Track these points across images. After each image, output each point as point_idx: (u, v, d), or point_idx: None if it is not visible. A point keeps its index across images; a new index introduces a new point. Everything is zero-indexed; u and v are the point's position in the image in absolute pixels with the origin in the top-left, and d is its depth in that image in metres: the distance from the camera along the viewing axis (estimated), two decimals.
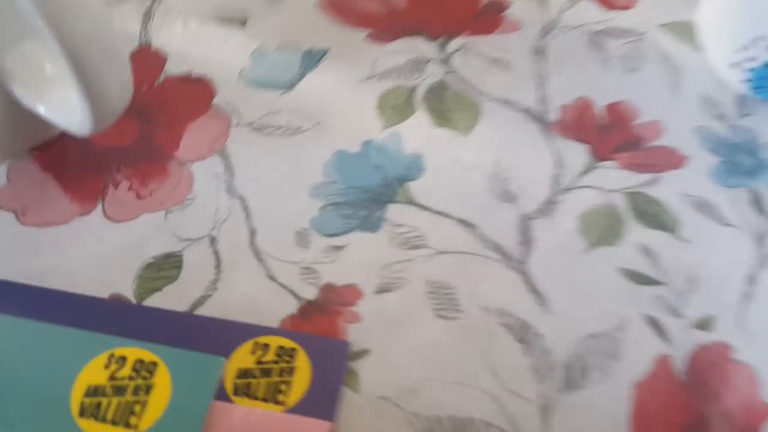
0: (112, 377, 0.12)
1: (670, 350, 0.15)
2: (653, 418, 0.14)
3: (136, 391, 0.12)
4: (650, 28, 0.22)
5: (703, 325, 0.15)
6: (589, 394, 0.14)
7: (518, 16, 0.22)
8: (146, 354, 0.12)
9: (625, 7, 0.22)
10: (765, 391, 0.14)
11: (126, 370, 0.12)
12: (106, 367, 0.12)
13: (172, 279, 0.15)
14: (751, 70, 0.19)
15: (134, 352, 0.12)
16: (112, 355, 0.12)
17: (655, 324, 0.15)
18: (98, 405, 0.12)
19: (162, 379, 0.12)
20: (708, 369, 0.15)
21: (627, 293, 0.16)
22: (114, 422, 0.11)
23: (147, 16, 0.21)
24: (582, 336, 0.15)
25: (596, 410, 0.14)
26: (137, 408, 0.12)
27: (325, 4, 0.22)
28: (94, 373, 0.12)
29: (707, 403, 0.14)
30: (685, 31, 0.22)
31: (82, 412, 0.12)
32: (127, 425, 0.11)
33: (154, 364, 0.12)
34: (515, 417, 0.14)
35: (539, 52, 0.21)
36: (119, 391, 0.12)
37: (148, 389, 0.12)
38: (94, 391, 0.12)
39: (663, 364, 0.15)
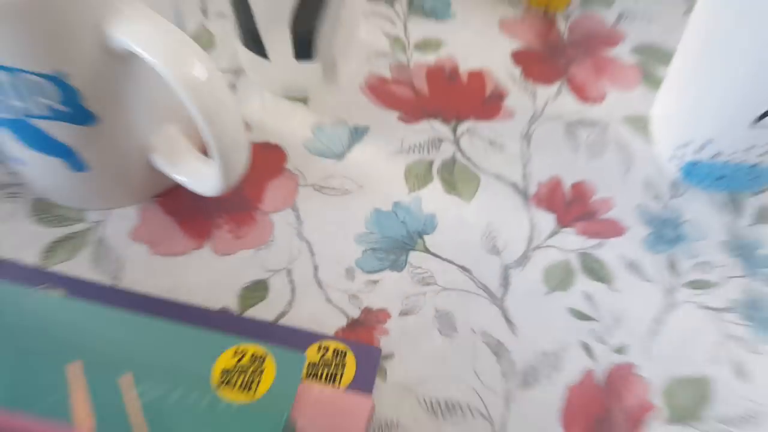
0: (238, 363, 0.19)
1: (595, 366, 0.22)
2: (578, 411, 0.21)
3: (254, 372, 0.19)
4: (613, 120, 0.29)
5: (620, 350, 0.22)
6: (538, 392, 0.21)
7: (513, 105, 0.29)
8: (259, 349, 0.19)
9: (596, 101, 0.29)
10: (653, 395, 0.21)
11: (246, 359, 0.19)
12: (233, 356, 0.19)
13: (262, 298, 0.23)
14: (685, 164, 0.26)
15: (251, 347, 0.19)
16: (237, 349, 0.19)
17: (587, 348, 0.22)
18: (230, 380, 0.19)
19: (270, 366, 0.19)
20: (618, 380, 0.22)
21: (570, 325, 0.23)
22: (241, 389, 0.18)
23: (232, 89, 0.28)
24: (537, 353, 0.22)
25: (541, 403, 0.21)
26: (254, 383, 0.19)
27: (367, 88, 0.29)
28: (226, 360, 0.19)
29: (614, 402, 0.21)
30: (640, 124, 0.29)
31: (220, 384, 0.18)
32: (249, 391, 0.18)
33: (264, 355, 0.19)
34: (488, 404, 0.21)
35: (526, 137, 0.28)
36: (243, 371, 0.19)
37: (261, 372, 0.19)
38: (226, 372, 0.19)
39: (589, 375, 0.22)
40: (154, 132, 0.23)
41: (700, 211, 0.26)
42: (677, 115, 0.27)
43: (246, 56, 0.28)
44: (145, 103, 0.22)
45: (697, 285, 0.24)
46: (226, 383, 0.19)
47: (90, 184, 0.23)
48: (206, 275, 0.23)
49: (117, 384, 0.18)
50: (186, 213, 0.25)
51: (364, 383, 0.21)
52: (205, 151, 0.24)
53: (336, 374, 0.21)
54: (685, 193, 0.27)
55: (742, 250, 0.25)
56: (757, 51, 0.21)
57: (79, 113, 0.20)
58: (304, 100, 0.28)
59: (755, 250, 0.25)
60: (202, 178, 0.22)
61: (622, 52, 0.32)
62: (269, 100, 0.28)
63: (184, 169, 0.23)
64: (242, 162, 0.21)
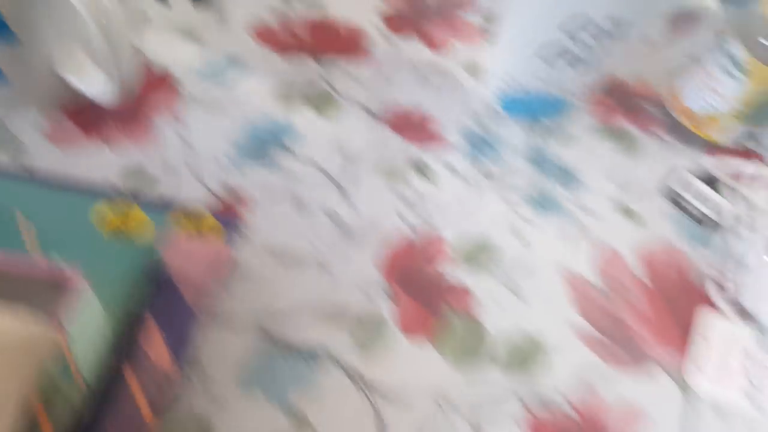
0: (111, 209, 0.24)
1: (410, 232, 0.28)
2: (393, 261, 0.28)
3: (127, 217, 0.24)
4: (454, 65, 0.36)
5: (431, 223, 0.29)
6: (365, 249, 0.28)
7: (378, 52, 0.35)
8: (135, 208, 0.24)
9: (445, 52, 0.37)
10: (452, 251, 0.28)
11: (121, 209, 0.24)
12: (111, 205, 0.24)
13: (150, 183, 0.28)
14: (502, 98, 0.34)
15: (126, 202, 0.24)
16: (113, 201, 0.24)
17: (405, 219, 0.29)
18: (107, 220, 0.24)
19: (141, 215, 0.24)
20: (426, 240, 0.28)
21: (399, 206, 0.29)
22: (116, 228, 0.23)
23: (139, 30, 0.34)
24: (367, 223, 0.28)
25: (367, 257, 0.27)
26: (128, 224, 0.24)
27: (253, 30, 0.35)
28: (103, 207, 0.24)
29: (421, 254, 0.28)
30: (474, 68, 0.36)
31: (97, 223, 0.24)
32: (123, 230, 0.24)
33: (136, 208, 0.24)
34: (326, 257, 0.27)
35: (386, 76, 0.35)
36: (118, 217, 0.24)
37: (134, 218, 0.24)
38: (103, 214, 0.24)
39: (405, 238, 0.28)
40: (63, 50, 0.28)
41: (510, 132, 0.33)
42: (499, 62, 0.34)
43: (150, 4, 0.33)
44: (57, 26, 0.27)
45: (499, 182, 0.31)
46: (104, 222, 0.24)
47: (8, 94, 0.28)
48: (99, 164, 0.28)
49: (13, 217, 0.23)
50: (86, 118, 0.30)
51: (230, 241, 0.26)
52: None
53: (210, 235, 0.26)
54: (499, 119, 0.34)
55: (535, 158, 0.32)
56: (539, 12, 0.29)
57: (3, 33, 0.25)
58: (197, 39, 0.34)
59: (545, 157, 0.33)
60: (99, 87, 0.27)
61: (473, 16, 0.39)
62: (169, 37, 0.34)
63: (86, 81, 0.28)
64: (131, 73, 0.26)
